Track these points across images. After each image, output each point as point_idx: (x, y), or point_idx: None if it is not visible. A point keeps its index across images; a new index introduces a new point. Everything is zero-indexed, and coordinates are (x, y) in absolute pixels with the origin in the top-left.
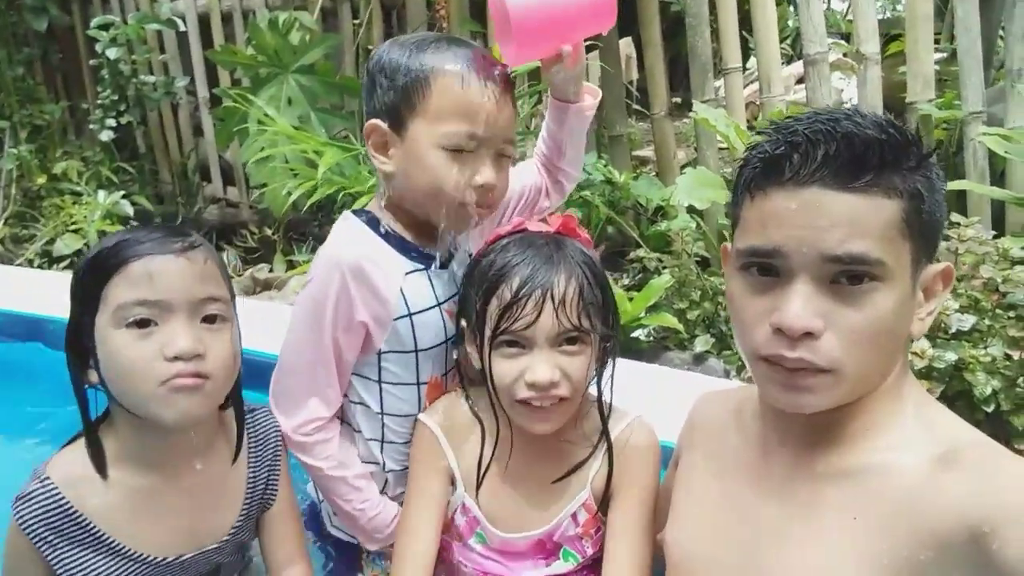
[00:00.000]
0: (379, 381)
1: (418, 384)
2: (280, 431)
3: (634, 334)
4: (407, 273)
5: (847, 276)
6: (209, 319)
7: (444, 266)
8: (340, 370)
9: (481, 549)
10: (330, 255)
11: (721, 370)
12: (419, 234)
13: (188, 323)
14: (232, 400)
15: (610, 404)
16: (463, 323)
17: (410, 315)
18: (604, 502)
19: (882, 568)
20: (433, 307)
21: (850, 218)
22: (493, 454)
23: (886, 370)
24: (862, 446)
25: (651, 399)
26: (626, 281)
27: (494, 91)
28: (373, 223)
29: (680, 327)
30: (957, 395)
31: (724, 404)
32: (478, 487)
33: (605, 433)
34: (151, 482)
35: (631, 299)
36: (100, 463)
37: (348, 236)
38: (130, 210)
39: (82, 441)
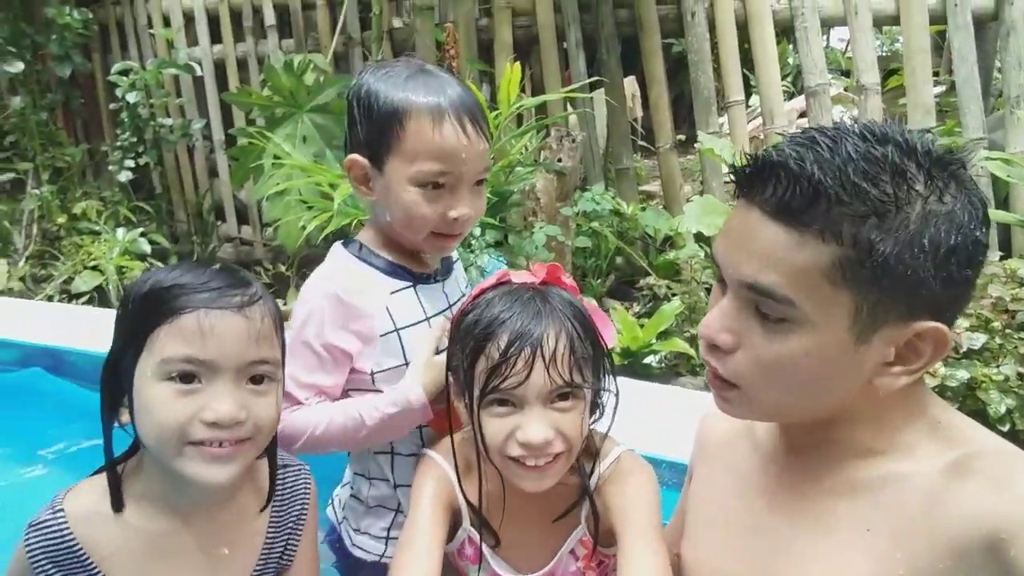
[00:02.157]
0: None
1: None
2: (309, 489)
3: (645, 360)
4: (393, 292)
5: (761, 307)
6: (256, 379)
7: (433, 280)
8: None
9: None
10: (311, 288)
11: None
12: (407, 257)
13: (234, 386)
14: (267, 453)
15: (603, 437)
16: (451, 378)
17: (397, 330)
18: (606, 535)
19: None
20: (422, 320)
21: (769, 250)
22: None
23: (817, 407)
24: (874, 457)
25: (662, 418)
26: (637, 308)
27: (468, 128)
28: (359, 250)
29: (692, 352)
30: (971, 414)
31: (733, 420)
32: (482, 526)
33: (585, 486)
34: (167, 527)
35: (642, 325)
36: (118, 501)
37: (329, 269)
38: (147, 248)
39: (104, 475)
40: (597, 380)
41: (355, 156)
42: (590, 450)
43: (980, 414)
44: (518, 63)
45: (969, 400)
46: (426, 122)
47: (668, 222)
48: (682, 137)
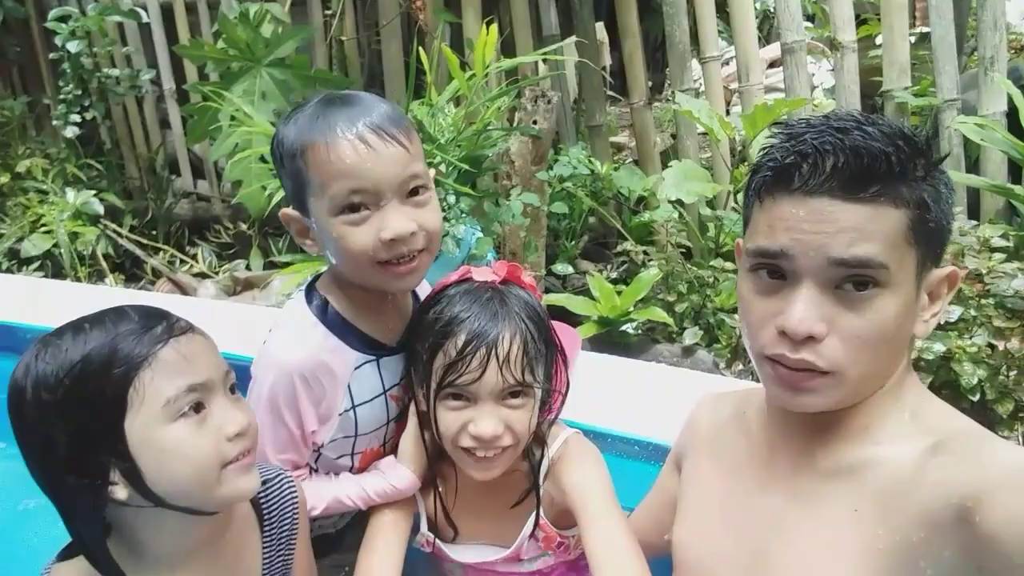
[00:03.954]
0: (316, 460)
1: (352, 455)
2: (297, 498)
3: (623, 328)
4: (356, 368)
5: (852, 281)
6: (232, 389)
7: (396, 351)
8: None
9: (456, 556)
10: (278, 360)
11: (710, 362)
12: (370, 313)
13: (226, 398)
14: None
15: (551, 423)
16: (411, 370)
17: (354, 407)
18: (563, 516)
19: (877, 552)
20: (379, 396)
21: (857, 224)
22: (450, 491)
23: (888, 371)
24: (861, 440)
25: (642, 396)
26: (612, 273)
27: (370, 137)
28: (325, 314)
29: (670, 320)
30: (944, 384)
31: (726, 406)
32: (448, 520)
33: (535, 482)
34: None
35: (619, 292)
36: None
37: (296, 337)
38: (100, 208)
39: (78, 561)
40: (548, 379)
41: (287, 210)
42: (539, 437)
43: (953, 384)
44: (495, 25)
45: (943, 371)
46: (320, 147)
47: (642, 182)
48: (650, 83)
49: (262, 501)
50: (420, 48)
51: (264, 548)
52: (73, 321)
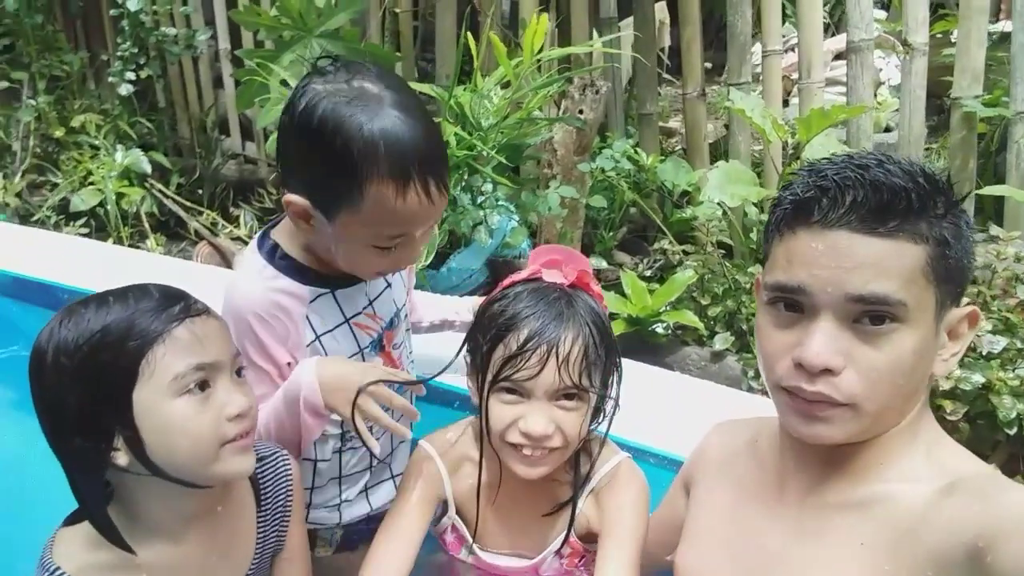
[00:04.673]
0: None
1: None
2: (292, 475)
3: (652, 327)
4: (311, 301)
5: (869, 316)
6: (239, 371)
7: (352, 283)
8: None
9: (472, 560)
10: (233, 305)
11: (739, 370)
12: (322, 262)
13: (231, 381)
14: None
15: (602, 442)
16: (466, 356)
17: (318, 337)
18: (591, 535)
19: None
20: (341, 324)
21: (875, 261)
22: (481, 486)
23: (905, 408)
24: (873, 477)
25: (665, 408)
26: (647, 271)
27: (433, 191)
28: (271, 253)
29: (700, 325)
30: (980, 415)
31: (740, 434)
32: (477, 515)
33: (574, 495)
34: (169, 552)
35: (651, 291)
36: (122, 542)
37: (246, 280)
38: (148, 167)
39: (83, 526)
40: (604, 387)
41: (298, 199)
42: (587, 449)
43: (990, 416)
44: (546, 15)
45: (979, 401)
46: (389, 190)
47: (688, 175)
48: (708, 65)
49: (259, 477)
50: (469, 33)
51: (259, 522)
52: (99, 293)
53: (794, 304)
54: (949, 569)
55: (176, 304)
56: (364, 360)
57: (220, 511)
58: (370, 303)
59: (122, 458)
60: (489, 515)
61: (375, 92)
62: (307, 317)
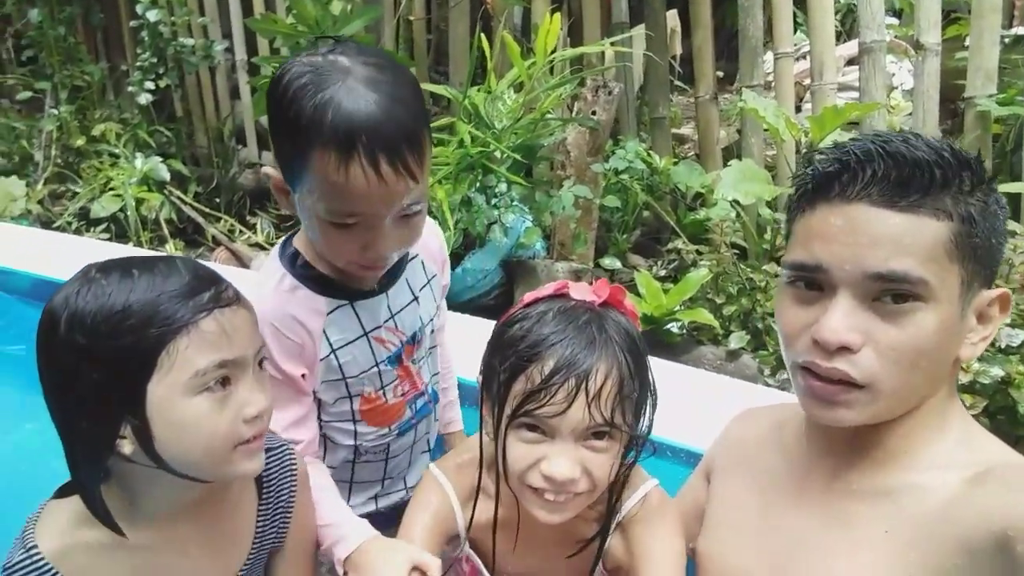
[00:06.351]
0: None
1: (350, 398)
2: (296, 471)
3: (667, 327)
4: (329, 313)
5: (890, 294)
6: (260, 364)
7: (374, 294)
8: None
9: None
10: (258, 310)
11: (755, 367)
12: (339, 271)
13: (254, 379)
14: None
15: (629, 467)
16: (479, 381)
17: (333, 351)
18: (621, 573)
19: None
20: (360, 337)
21: (894, 236)
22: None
23: (928, 391)
24: (901, 465)
25: (681, 402)
26: (661, 271)
27: (384, 167)
28: (291, 261)
29: (715, 323)
30: (1000, 410)
31: (763, 421)
32: (493, 552)
33: (605, 531)
34: (156, 539)
35: (666, 291)
36: (113, 523)
37: (265, 289)
38: (166, 174)
39: (73, 500)
40: (637, 422)
41: (270, 170)
42: (616, 480)
43: (1009, 410)
44: (558, 14)
45: (999, 395)
46: (331, 159)
47: (701, 177)
48: (720, 73)
49: (264, 469)
50: (483, 35)
51: (259, 516)
52: (123, 260)
53: (813, 282)
54: (978, 558)
55: (207, 290)
56: (380, 375)
57: (219, 501)
58: (392, 316)
59: (127, 447)
60: (507, 550)
61: (345, 65)
62: (324, 331)
